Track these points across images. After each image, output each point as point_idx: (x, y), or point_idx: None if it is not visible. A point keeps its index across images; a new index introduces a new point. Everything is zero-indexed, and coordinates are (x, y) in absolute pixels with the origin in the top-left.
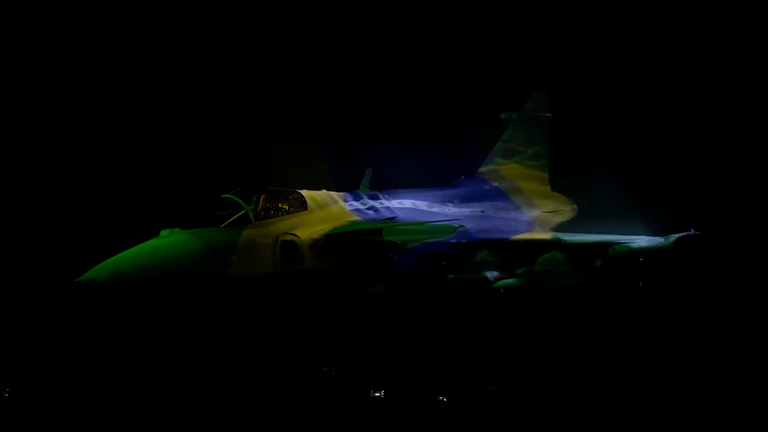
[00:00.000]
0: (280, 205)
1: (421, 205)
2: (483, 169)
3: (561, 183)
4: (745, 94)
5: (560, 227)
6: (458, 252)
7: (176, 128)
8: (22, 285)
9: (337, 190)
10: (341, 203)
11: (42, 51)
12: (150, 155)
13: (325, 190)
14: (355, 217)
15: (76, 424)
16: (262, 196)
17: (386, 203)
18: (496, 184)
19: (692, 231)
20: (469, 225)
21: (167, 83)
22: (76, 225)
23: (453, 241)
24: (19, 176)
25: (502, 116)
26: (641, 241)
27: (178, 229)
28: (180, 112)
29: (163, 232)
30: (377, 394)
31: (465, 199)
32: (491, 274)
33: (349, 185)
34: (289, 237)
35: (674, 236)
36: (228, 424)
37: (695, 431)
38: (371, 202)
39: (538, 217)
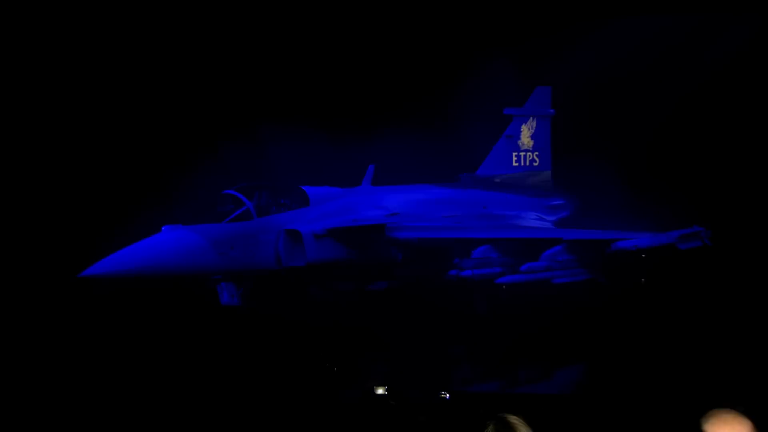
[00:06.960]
0: (282, 200)
1: (426, 201)
2: (485, 165)
3: (564, 179)
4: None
5: (562, 223)
6: (460, 248)
7: (177, 124)
8: (22, 281)
9: (340, 186)
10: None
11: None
12: (152, 151)
13: (327, 186)
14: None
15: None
16: (264, 192)
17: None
18: (498, 180)
19: (695, 227)
20: (470, 221)
21: (167, 78)
22: (78, 221)
23: (455, 236)
24: (20, 173)
25: (504, 112)
26: (644, 237)
27: (180, 225)
28: (181, 108)
29: (165, 228)
30: (380, 391)
31: (467, 195)
32: (493, 271)
33: (351, 181)
34: (291, 232)
35: (677, 232)
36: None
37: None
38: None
39: (539, 214)
